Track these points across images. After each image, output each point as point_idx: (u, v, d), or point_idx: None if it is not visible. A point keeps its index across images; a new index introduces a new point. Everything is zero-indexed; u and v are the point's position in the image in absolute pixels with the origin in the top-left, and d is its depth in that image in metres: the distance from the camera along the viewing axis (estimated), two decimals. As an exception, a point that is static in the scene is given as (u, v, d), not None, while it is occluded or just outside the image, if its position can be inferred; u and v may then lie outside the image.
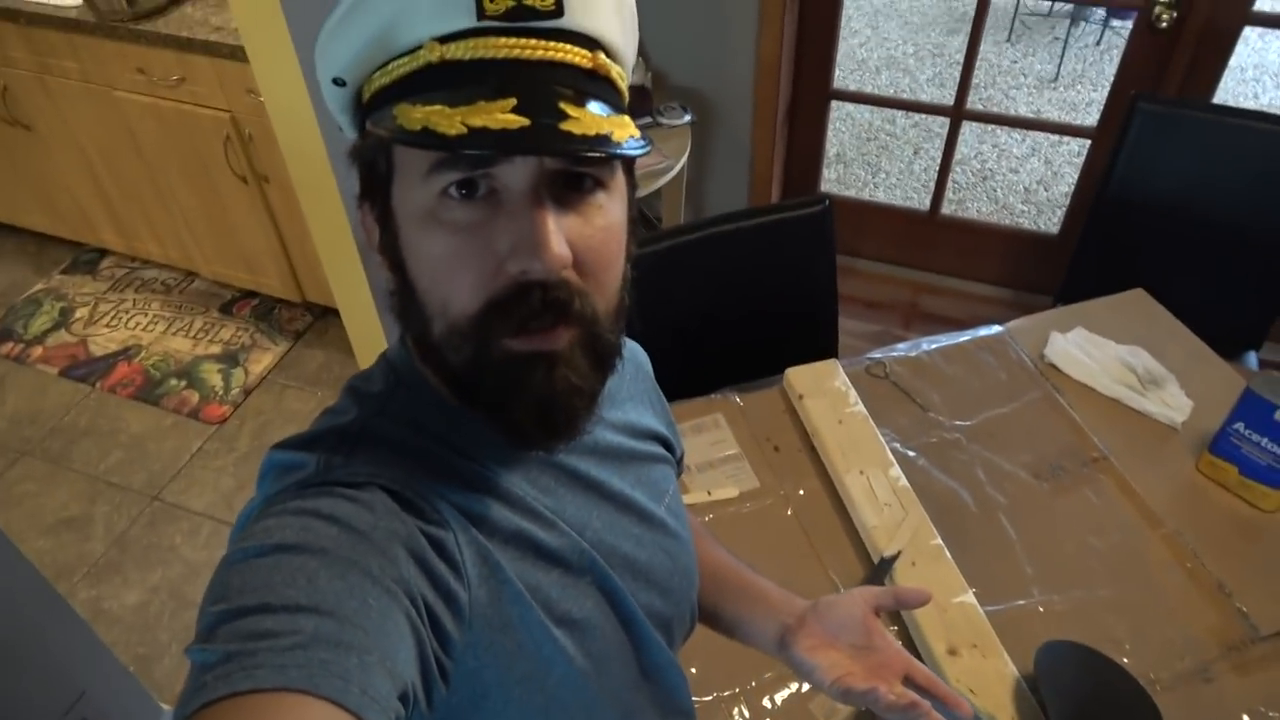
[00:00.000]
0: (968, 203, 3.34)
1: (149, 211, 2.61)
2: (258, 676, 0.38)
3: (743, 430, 1.31)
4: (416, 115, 0.45)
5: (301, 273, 2.53)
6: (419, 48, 0.47)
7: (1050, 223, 3.20)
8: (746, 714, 0.99)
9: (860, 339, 2.58)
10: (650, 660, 0.63)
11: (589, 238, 0.49)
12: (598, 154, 0.46)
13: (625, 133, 0.48)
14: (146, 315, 2.73)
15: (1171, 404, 1.32)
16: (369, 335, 2.25)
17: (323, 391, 2.51)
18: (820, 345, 1.64)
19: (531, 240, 0.47)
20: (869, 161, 3.57)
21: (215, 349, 2.61)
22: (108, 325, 2.69)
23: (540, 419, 0.51)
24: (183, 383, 2.52)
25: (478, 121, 0.44)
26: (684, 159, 2.33)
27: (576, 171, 0.49)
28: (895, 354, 1.44)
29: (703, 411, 1.33)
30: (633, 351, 0.73)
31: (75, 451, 2.34)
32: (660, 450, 0.71)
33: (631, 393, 0.71)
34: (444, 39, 0.46)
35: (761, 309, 1.57)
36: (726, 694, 1.01)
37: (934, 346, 1.45)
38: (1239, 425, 1.16)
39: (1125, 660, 1.02)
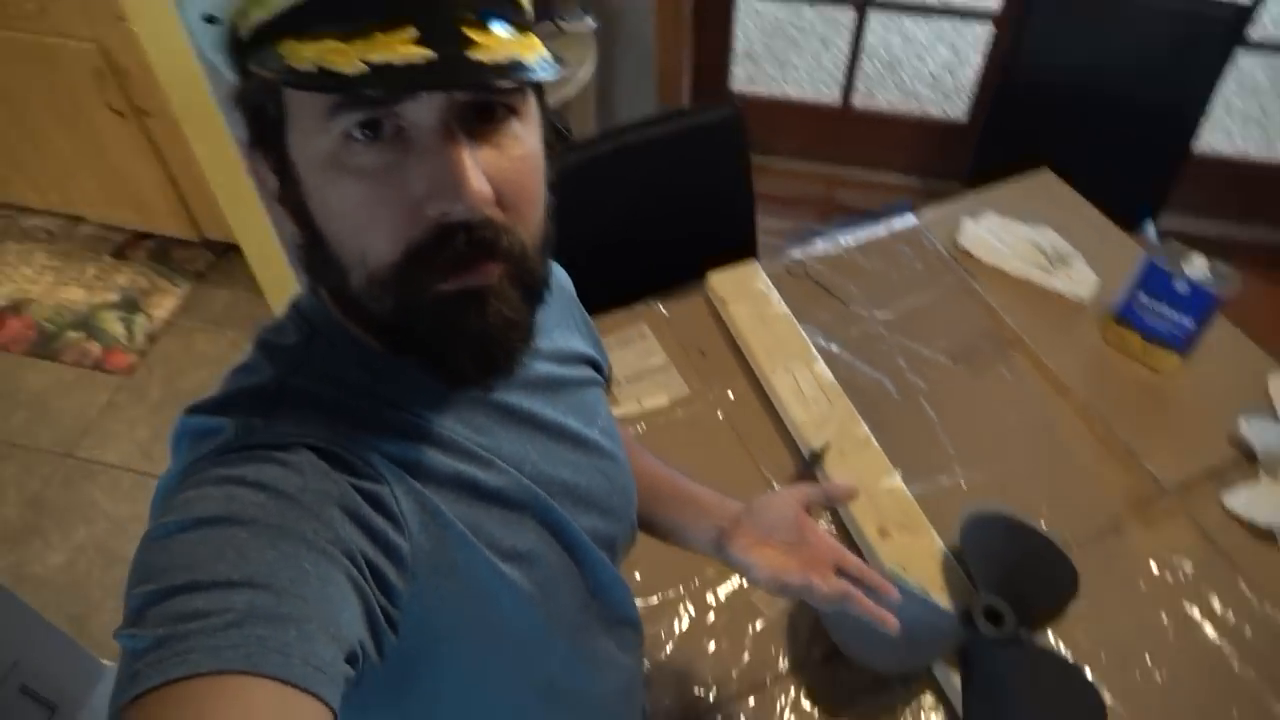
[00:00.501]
0: (877, 93, 3.34)
1: (19, 156, 2.42)
2: (192, 661, 0.36)
3: (669, 339, 1.31)
4: (307, 53, 0.41)
5: (196, 209, 2.40)
6: None
7: (958, 109, 3.23)
8: (692, 611, 1.02)
9: (778, 236, 2.59)
10: (596, 580, 0.64)
11: (507, 170, 0.47)
12: (511, 83, 0.43)
13: (534, 54, 0.45)
14: (32, 266, 2.56)
15: (1078, 280, 1.37)
16: (274, 269, 2.16)
17: (233, 332, 2.42)
18: (740, 247, 1.64)
19: (449, 181, 0.44)
20: (778, 57, 3.52)
21: (112, 296, 2.48)
22: (-9, 280, 2.53)
23: (478, 357, 0.49)
24: (81, 334, 2.39)
25: (377, 56, 0.41)
26: (590, 66, 2.26)
27: (488, 101, 0.46)
28: (815, 252, 1.45)
29: (628, 324, 1.33)
30: (554, 274, 0.72)
31: (-27, 416, 2.23)
32: (589, 373, 0.71)
33: (557, 318, 0.70)
34: None
35: (679, 216, 1.55)
36: (671, 594, 1.04)
37: (851, 241, 1.46)
38: (1140, 294, 1.21)
39: (1043, 524, 1.08)
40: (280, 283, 2.20)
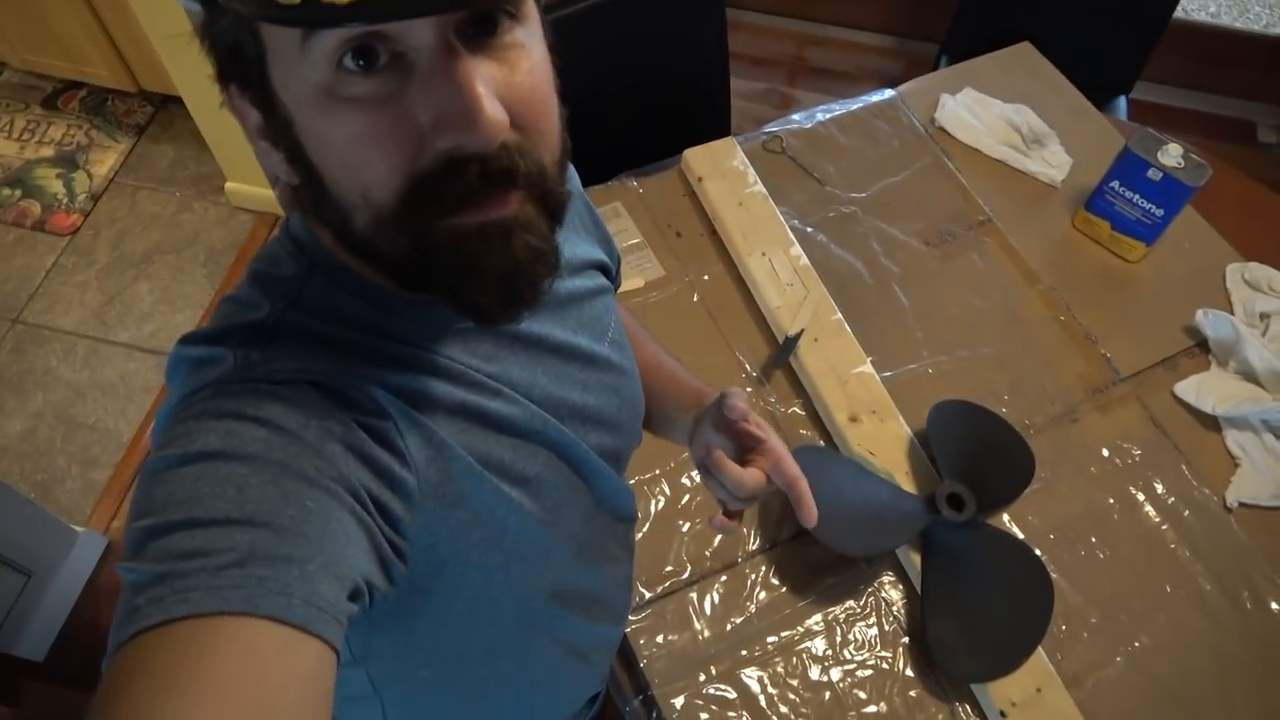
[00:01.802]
0: (850, -59, 3.18)
1: (-72, -9, 2.22)
2: (193, 600, 0.36)
3: (644, 218, 1.29)
4: None
5: (131, 58, 2.24)
6: None
7: (932, -39, 3.10)
8: (668, 491, 1.06)
9: (748, 99, 2.53)
10: (601, 492, 0.65)
11: (518, 86, 0.43)
12: None
13: None
14: (-45, 116, 2.41)
15: (1052, 162, 1.37)
16: (221, 124, 2.05)
17: (181, 192, 2.32)
18: (714, 114, 1.60)
19: (461, 110, 0.40)
20: (747, -104, 3.31)
21: (47, 151, 2.35)
22: (-89, 130, 2.37)
23: (504, 294, 0.46)
24: (18, 192, 2.28)
25: None
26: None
27: (488, 11, 0.41)
28: (791, 126, 1.42)
29: (602, 201, 1.30)
30: None
31: (-90, 278, 2.14)
32: (599, 281, 0.68)
33: (566, 221, 0.66)
34: None
35: (652, 81, 1.50)
36: (647, 476, 1.07)
37: (828, 116, 1.43)
38: (1114, 183, 1.22)
39: (1004, 410, 1.12)
40: (227, 137, 2.10)
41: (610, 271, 0.72)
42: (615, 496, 0.68)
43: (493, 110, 0.40)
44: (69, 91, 2.46)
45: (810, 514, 0.65)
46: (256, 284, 0.51)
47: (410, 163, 0.42)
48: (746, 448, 0.68)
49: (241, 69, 0.44)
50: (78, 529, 1.73)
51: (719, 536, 1.03)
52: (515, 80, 0.43)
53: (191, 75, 1.93)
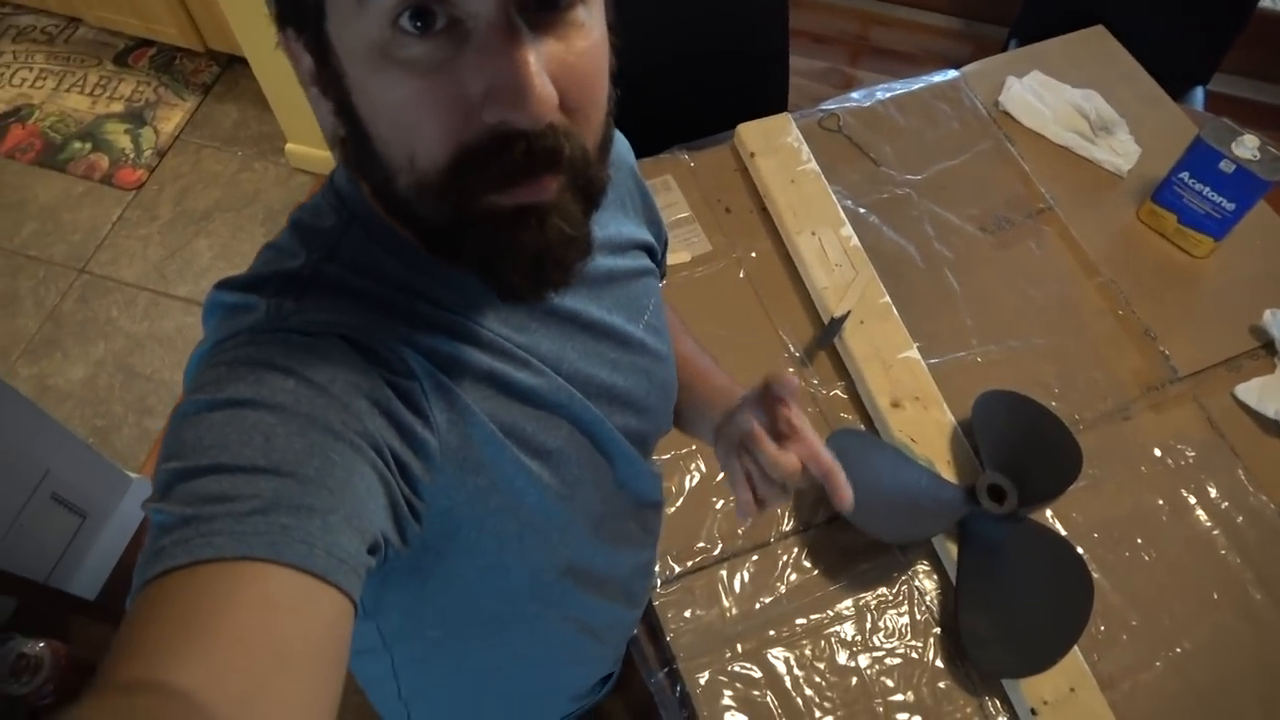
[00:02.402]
0: (923, -81, 3.10)
1: (10, -54, 2.29)
2: (217, 544, 0.37)
3: (693, 192, 1.28)
4: None
5: (200, 17, 2.29)
6: None
7: (1008, -59, 3.01)
8: (703, 468, 1.05)
9: (808, 78, 2.49)
10: (624, 473, 0.65)
11: (572, 66, 0.42)
12: None
13: None
14: (31, 70, 2.47)
15: (1120, 151, 1.32)
16: (284, 86, 2.08)
17: (242, 151, 2.36)
18: (771, 90, 1.57)
19: (512, 86, 0.39)
20: None
21: (117, 106, 2.41)
22: (-10, 82, 2.45)
23: (533, 274, 0.47)
24: (88, 145, 2.34)
25: None
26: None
27: None
28: (849, 104, 1.39)
29: (652, 173, 1.29)
30: (616, 148, 0.66)
31: (-16, 225, 2.21)
32: (642, 262, 0.67)
33: (613, 199, 0.65)
34: None
35: (710, 55, 1.48)
36: (684, 451, 1.07)
37: (888, 95, 1.40)
38: (1184, 174, 1.17)
39: (1053, 404, 1.09)
40: (290, 100, 2.13)
41: (655, 254, 0.72)
42: (639, 479, 0.67)
43: (543, 89, 0.40)
44: (140, 49, 2.51)
45: (845, 497, 0.63)
46: (296, 233, 0.52)
47: (460, 132, 0.42)
48: (781, 435, 0.65)
49: (299, 13, 0.44)
50: (132, 475, 1.78)
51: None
52: (570, 60, 0.42)
53: (257, 37, 1.95)
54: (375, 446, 0.44)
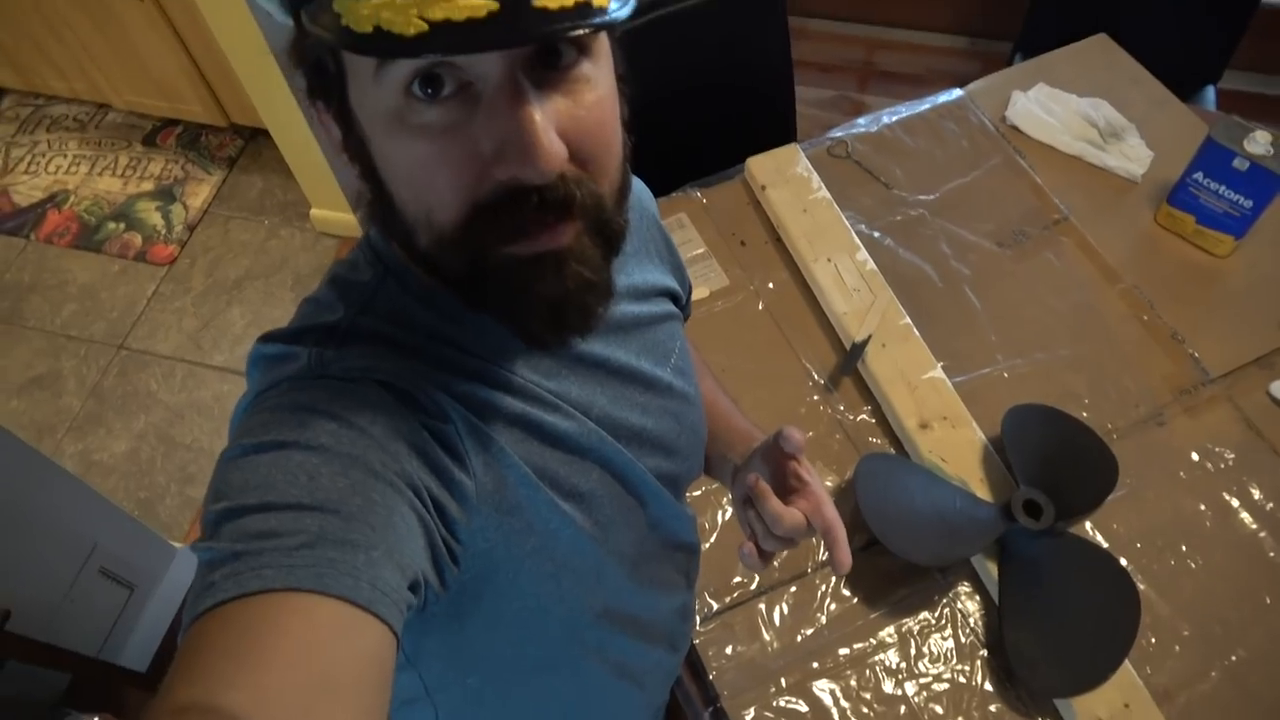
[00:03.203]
0: (920, -58, 3.13)
1: (41, 42, 2.38)
2: (266, 576, 0.38)
3: (708, 228, 1.30)
4: (364, 12, 0.38)
5: (222, 94, 2.36)
6: None
7: (1007, -43, 3.03)
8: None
9: (816, 107, 2.51)
10: (656, 515, 0.65)
11: (581, 120, 0.44)
12: (582, 30, 0.39)
13: None
14: (66, 156, 2.57)
15: (1132, 156, 1.32)
16: (305, 154, 2.14)
17: (270, 219, 2.42)
18: (778, 123, 1.59)
19: (520, 143, 0.41)
20: (814, -96, 3.30)
21: (148, 185, 2.49)
22: (26, 172, 2.54)
23: (554, 320, 0.48)
24: (121, 225, 2.41)
25: (437, 14, 0.37)
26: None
27: (555, 45, 0.43)
28: (856, 130, 1.40)
29: (666, 212, 1.31)
30: (637, 196, 0.67)
31: (26, 309, 2.28)
32: (666, 307, 0.69)
33: (636, 246, 0.67)
34: None
35: (716, 92, 1.50)
36: (715, 486, 1.07)
37: (894, 119, 1.41)
38: (1198, 175, 1.17)
39: (1084, 414, 1.08)
40: (312, 167, 2.19)
41: (680, 300, 0.73)
42: (673, 520, 0.68)
43: (550, 145, 0.42)
44: (167, 129, 2.60)
45: (844, 562, 0.62)
46: (335, 287, 0.55)
47: (473, 189, 0.44)
48: (790, 489, 0.66)
49: (324, 87, 0.47)
50: (176, 545, 1.81)
51: (787, 546, 1.02)
52: (578, 114, 0.44)
53: (277, 109, 2.02)
54: (414, 488, 0.46)
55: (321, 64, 0.46)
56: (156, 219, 2.42)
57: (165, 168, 2.52)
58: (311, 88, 0.48)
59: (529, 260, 0.46)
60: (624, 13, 0.41)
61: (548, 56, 0.43)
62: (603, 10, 0.40)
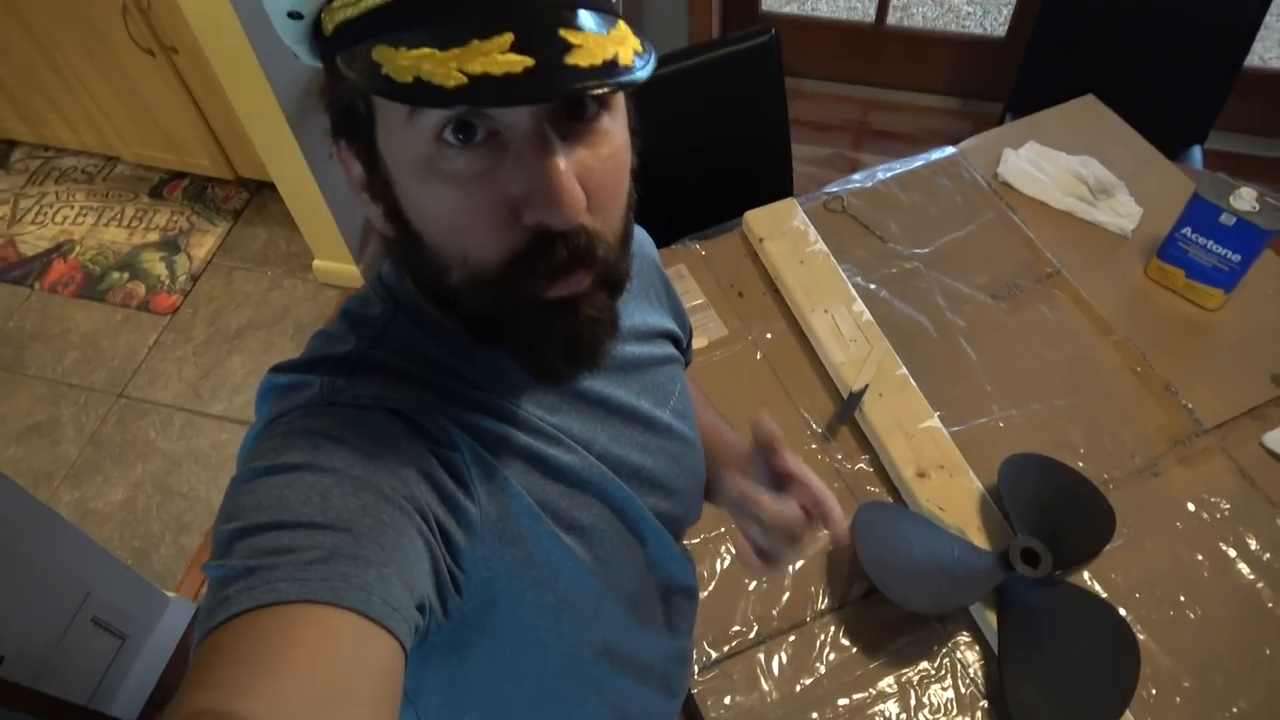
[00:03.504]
0: (913, 8, 3.23)
1: (53, 96, 2.43)
2: (280, 589, 0.39)
3: (706, 279, 1.32)
4: (404, 63, 0.41)
5: (230, 148, 2.41)
6: None
7: (997, 23, 3.12)
8: (734, 550, 1.05)
9: (812, 165, 2.56)
10: (655, 554, 0.66)
11: (597, 170, 0.46)
12: (609, 88, 0.42)
13: (629, 49, 0.43)
14: (73, 208, 2.60)
15: (1122, 212, 1.35)
16: (310, 207, 2.18)
17: (273, 270, 2.45)
18: (775, 179, 1.63)
19: (547, 192, 0.44)
20: (808, -29, 3.40)
21: (153, 236, 2.52)
22: (34, 222, 2.57)
23: (566, 356, 0.50)
24: (125, 275, 2.44)
25: (476, 68, 0.40)
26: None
27: (581, 99, 0.46)
28: (851, 186, 1.43)
29: (665, 264, 1.31)
30: (639, 243, 0.69)
31: (28, 357, 2.29)
32: (667, 350, 0.71)
33: (638, 291, 0.69)
34: None
35: (714, 149, 1.54)
36: (714, 534, 1.07)
37: (889, 175, 1.44)
38: (1186, 230, 1.19)
39: (1080, 464, 1.09)
40: (316, 219, 2.22)
41: (680, 343, 0.75)
42: (671, 560, 0.68)
43: (574, 193, 0.44)
44: (174, 181, 2.64)
45: (840, 532, 0.65)
46: (346, 321, 0.56)
47: (507, 235, 0.46)
48: (781, 485, 0.68)
49: (351, 127, 0.49)
50: (170, 595, 1.79)
51: (785, 595, 1.01)
52: (595, 165, 0.47)
53: (283, 162, 2.06)
54: (421, 512, 0.47)
55: (352, 106, 0.48)
56: (160, 269, 2.45)
57: (171, 219, 2.56)
58: (336, 127, 0.50)
59: (550, 302, 0.48)
60: (645, 72, 0.44)
61: (573, 109, 0.45)
62: (628, 69, 0.43)
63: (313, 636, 0.38)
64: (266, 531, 0.42)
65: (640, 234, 0.72)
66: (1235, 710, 0.91)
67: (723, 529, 1.07)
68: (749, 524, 0.66)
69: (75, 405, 2.20)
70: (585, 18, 0.43)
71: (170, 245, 2.50)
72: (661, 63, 1.46)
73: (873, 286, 1.29)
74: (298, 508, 0.43)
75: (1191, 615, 0.97)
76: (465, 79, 0.40)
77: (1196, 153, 1.88)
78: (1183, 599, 0.99)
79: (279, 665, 0.37)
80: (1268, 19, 1.78)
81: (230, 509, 0.44)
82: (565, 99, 0.44)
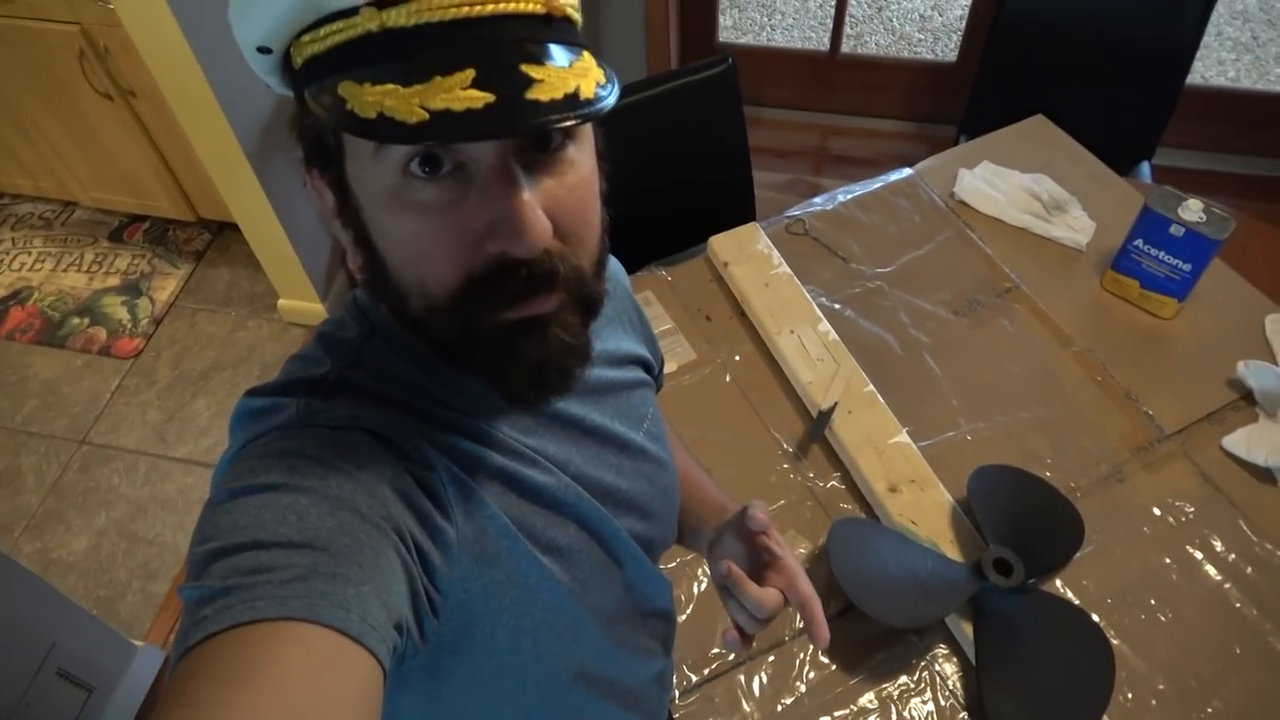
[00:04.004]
0: (866, 36, 3.30)
1: (9, 142, 2.41)
2: (259, 608, 0.39)
3: (674, 304, 1.33)
4: (368, 99, 0.41)
5: (190, 189, 2.39)
6: (353, 10, 0.42)
7: (947, 49, 3.20)
8: (709, 572, 1.05)
9: (774, 190, 2.59)
10: (632, 576, 0.66)
11: (564, 199, 0.47)
12: (571, 121, 0.42)
13: (591, 81, 0.44)
14: (30, 254, 2.56)
15: (1075, 227, 1.38)
16: (273, 246, 2.16)
17: (237, 311, 2.43)
18: (737, 205, 1.65)
19: (510, 223, 0.44)
20: (764, 3, 3.47)
21: (114, 280, 2.49)
22: (-10, 269, 2.53)
23: (536, 380, 0.51)
24: (85, 320, 2.40)
25: (438, 103, 0.40)
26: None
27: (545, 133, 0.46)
28: (813, 209, 1.45)
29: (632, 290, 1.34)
30: (612, 270, 0.70)
31: (-15, 406, 2.25)
32: (639, 375, 0.71)
33: (610, 317, 0.70)
34: (381, 2, 0.41)
35: (676, 177, 1.56)
36: (689, 558, 1.07)
37: (849, 197, 1.47)
38: (1138, 241, 1.23)
39: (1048, 474, 1.11)
40: (280, 259, 2.20)
41: (652, 369, 0.76)
42: (648, 582, 0.68)
43: (538, 223, 0.45)
44: (134, 225, 2.61)
45: (822, 635, 0.64)
46: (322, 344, 0.56)
47: (467, 262, 0.47)
48: (763, 563, 0.68)
49: (323, 158, 0.50)
50: (137, 643, 1.75)
51: (764, 615, 1.01)
52: (562, 194, 0.47)
53: (246, 203, 2.05)
54: (399, 532, 0.47)
55: (322, 138, 0.49)
56: (122, 313, 2.41)
57: (132, 263, 2.53)
58: (309, 157, 0.51)
59: (515, 325, 0.48)
60: (609, 102, 0.44)
61: (538, 141, 0.46)
62: (590, 101, 0.43)
63: (292, 653, 0.38)
64: (244, 551, 0.41)
65: (613, 262, 0.73)
66: (1210, 710, 0.92)
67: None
68: (733, 605, 0.65)
69: (36, 454, 2.15)
70: (548, 51, 0.44)
71: (131, 289, 2.47)
72: (622, 94, 1.48)
73: (837, 306, 1.31)
74: (274, 527, 0.43)
75: (1163, 618, 0.99)
76: (427, 115, 0.40)
77: (1145, 168, 1.94)
78: (1153, 602, 1.00)
79: (258, 682, 0.36)
80: (1206, 39, 1.85)
81: (206, 530, 0.44)
82: (524, 134, 0.45)
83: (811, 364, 1.21)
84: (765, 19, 3.40)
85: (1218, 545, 1.04)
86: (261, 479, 0.45)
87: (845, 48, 2.71)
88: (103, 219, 2.63)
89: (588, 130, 0.51)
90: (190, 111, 1.86)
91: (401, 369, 0.55)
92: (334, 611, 0.40)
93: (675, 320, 1.31)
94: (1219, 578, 1.02)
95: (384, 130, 0.41)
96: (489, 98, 0.41)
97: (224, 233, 2.58)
